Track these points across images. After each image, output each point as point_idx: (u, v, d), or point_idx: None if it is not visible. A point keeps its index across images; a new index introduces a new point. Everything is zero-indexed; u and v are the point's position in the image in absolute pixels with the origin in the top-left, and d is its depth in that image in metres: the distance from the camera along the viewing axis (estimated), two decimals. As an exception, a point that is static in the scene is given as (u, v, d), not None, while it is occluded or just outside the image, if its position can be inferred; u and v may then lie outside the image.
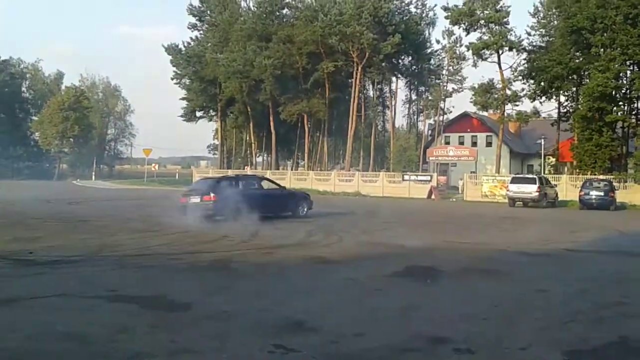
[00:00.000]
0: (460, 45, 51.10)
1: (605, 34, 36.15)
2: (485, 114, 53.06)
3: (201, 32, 60.59)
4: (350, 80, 53.58)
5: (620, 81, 37.46)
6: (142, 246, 11.81)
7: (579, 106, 38.62)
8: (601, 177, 32.55)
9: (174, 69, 59.59)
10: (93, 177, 65.32)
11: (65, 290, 7.52)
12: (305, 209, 19.60)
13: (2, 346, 5.15)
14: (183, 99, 61.68)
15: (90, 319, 6.12)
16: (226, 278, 8.68)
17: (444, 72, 54.45)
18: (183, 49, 59.25)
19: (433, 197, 36.53)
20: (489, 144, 54.43)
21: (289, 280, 8.70)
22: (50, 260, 9.91)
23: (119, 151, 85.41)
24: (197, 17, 59.90)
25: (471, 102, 45.19)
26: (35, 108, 72.33)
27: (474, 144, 54.40)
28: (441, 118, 55.71)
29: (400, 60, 56.04)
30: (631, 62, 37.35)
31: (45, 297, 7.13)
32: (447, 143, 52.76)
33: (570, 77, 40.27)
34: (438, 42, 78.13)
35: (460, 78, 53.00)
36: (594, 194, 28.91)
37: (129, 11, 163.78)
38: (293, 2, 55.05)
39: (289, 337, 5.47)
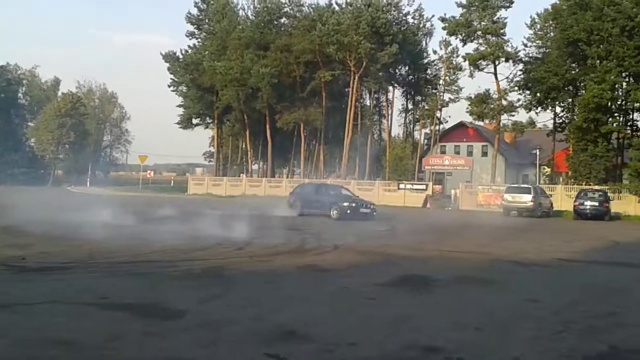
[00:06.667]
0: (457, 56, 51.12)
1: (601, 46, 36.39)
2: (481, 123, 53.18)
3: (199, 40, 60.65)
4: (347, 89, 53.63)
5: (616, 92, 37.72)
6: (135, 253, 11.76)
7: (575, 117, 38.80)
8: (596, 187, 32.63)
9: (171, 76, 59.67)
10: (88, 183, 64.97)
11: (57, 297, 7.47)
12: None
13: (-9, 352, 5.10)
14: (180, 106, 61.74)
15: (81, 326, 6.08)
16: (219, 286, 8.63)
17: (440, 82, 54.41)
18: (181, 56, 59.29)
19: (428, 205, 36.58)
20: (484, 154, 54.52)
21: (282, 289, 8.67)
22: (42, 266, 9.86)
23: (115, 158, 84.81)
24: (195, 26, 59.98)
25: (467, 112, 45.48)
26: (32, 114, 71.97)
27: (470, 153, 54.49)
28: (437, 127, 55.69)
29: (397, 70, 56.10)
30: (627, 73, 37.58)
31: (36, 304, 7.08)
32: (443, 152, 52.79)
33: (566, 88, 40.49)
34: (435, 52, 78.02)
35: (456, 88, 52.91)
36: (588, 204, 28.92)
37: (126, 19, 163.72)
38: (291, 12, 55.20)
39: (282, 346, 5.45)
